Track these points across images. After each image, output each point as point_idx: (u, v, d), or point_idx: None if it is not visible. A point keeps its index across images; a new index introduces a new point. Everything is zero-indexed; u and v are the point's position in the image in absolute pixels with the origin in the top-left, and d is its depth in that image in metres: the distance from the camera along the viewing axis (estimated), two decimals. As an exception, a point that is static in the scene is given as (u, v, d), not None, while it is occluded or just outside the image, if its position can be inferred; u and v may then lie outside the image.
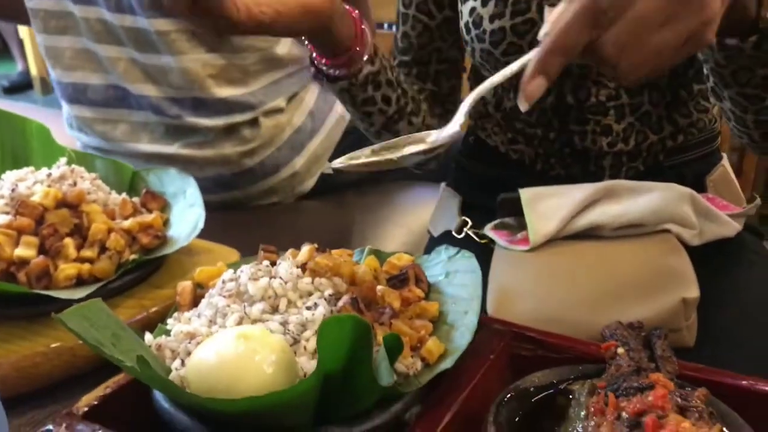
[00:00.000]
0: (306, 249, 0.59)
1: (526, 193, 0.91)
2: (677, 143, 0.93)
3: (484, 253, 0.93)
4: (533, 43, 0.78)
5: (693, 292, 0.81)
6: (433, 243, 1.09)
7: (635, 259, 0.86)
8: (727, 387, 0.53)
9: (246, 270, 0.57)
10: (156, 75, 1.25)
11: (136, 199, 0.80)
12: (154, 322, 0.62)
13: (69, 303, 0.52)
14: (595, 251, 0.88)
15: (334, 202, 1.48)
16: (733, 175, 1.03)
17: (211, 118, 1.30)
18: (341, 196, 1.49)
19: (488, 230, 0.96)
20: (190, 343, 0.53)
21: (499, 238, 0.94)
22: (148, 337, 0.55)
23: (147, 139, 1.32)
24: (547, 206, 0.91)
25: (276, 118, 1.36)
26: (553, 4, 0.75)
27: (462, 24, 0.91)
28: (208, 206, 1.40)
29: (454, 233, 1.02)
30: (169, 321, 0.57)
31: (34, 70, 4.23)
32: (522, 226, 0.91)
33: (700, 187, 0.96)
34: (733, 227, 0.92)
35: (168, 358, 0.53)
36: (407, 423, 0.51)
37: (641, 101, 0.89)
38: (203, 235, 1.13)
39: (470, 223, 1.01)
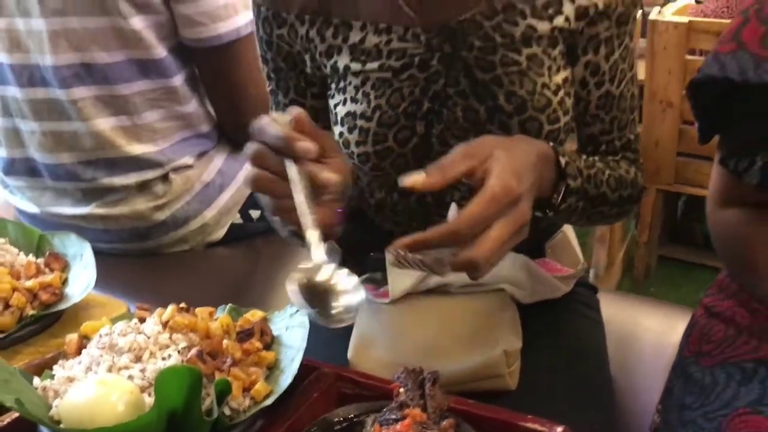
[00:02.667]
0: (170, 309, 0.75)
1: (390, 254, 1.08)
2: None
3: (357, 304, 1.09)
4: (394, 164, 0.96)
5: (515, 344, 0.97)
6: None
7: (472, 314, 1.02)
8: (487, 419, 0.70)
9: (118, 327, 0.72)
10: (68, 142, 1.38)
11: (41, 260, 0.94)
12: (50, 366, 0.77)
13: (-26, 352, 0.66)
14: (441, 306, 1.04)
15: (243, 249, 1.62)
16: (572, 238, 1.20)
17: (124, 176, 1.44)
18: (250, 244, 1.63)
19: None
20: (70, 385, 0.68)
21: (366, 291, 1.10)
22: (36, 380, 0.69)
23: (69, 203, 1.45)
24: None
25: (185, 174, 1.50)
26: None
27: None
28: (126, 254, 1.55)
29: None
30: (55, 367, 0.72)
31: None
32: (386, 281, 1.07)
33: (539, 252, 1.12)
34: (561, 290, 1.09)
35: (51, 398, 0.68)
36: (239, 447, 0.67)
37: None
38: (120, 279, 1.27)
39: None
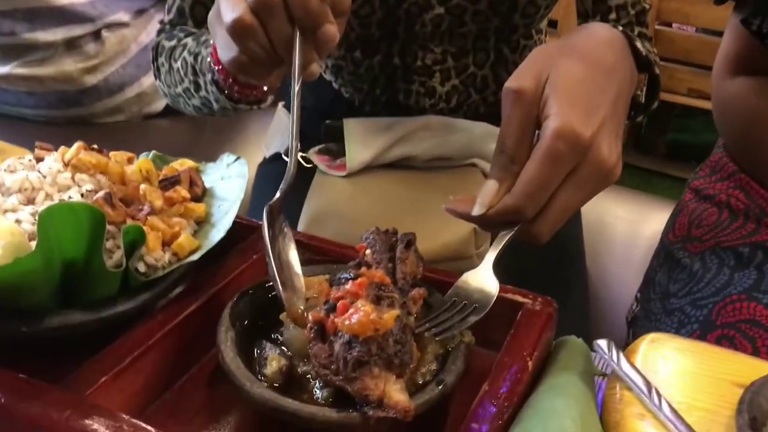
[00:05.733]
0: (75, 146, 0.60)
1: (349, 123, 0.94)
2: (498, 97, 0.96)
3: (310, 177, 0.96)
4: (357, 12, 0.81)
5: None
6: (264, 163, 1.11)
7: (440, 189, 0.91)
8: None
9: (6, 163, 0.58)
10: None
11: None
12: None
13: None
14: (406, 179, 0.92)
15: (184, 123, 1.47)
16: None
17: (49, 31, 1.27)
18: (193, 117, 1.49)
19: (311, 154, 0.99)
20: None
21: (319, 162, 0.96)
22: None
23: None
24: (367, 136, 0.94)
25: (120, 33, 1.35)
26: None
27: None
28: (53, 121, 1.39)
29: (283, 155, 1.04)
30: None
31: None
32: (343, 152, 0.94)
33: None
34: None
35: None
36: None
37: (466, 64, 0.91)
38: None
39: (299, 146, 1.03)
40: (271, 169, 1.08)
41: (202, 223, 0.61)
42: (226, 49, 0.60)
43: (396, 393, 0.43)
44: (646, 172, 3.01)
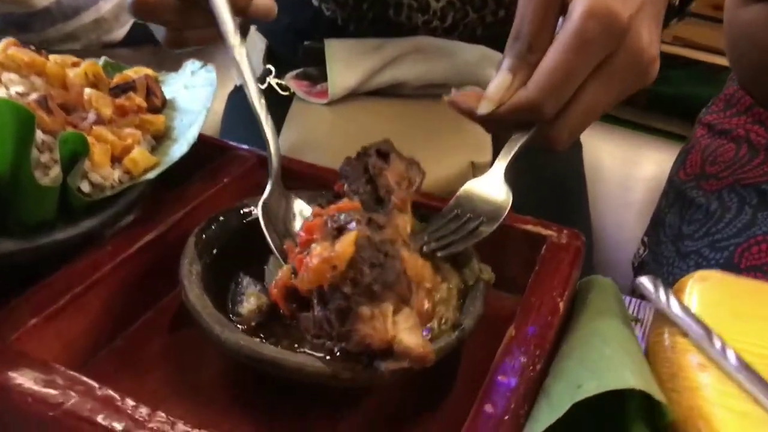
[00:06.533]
0: (4, 41, 0.50)
1: (331, 44, 0.84)
2: (497, 18, 0.87)
3: (286, 106, 0.86)
4: None
5: (483, 156, 0.79)
6: (235, 91, 1.01)
7: (433, 119, 0.82)
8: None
9: None
10: None
11: None
12: None
13: None
14: (395, 108, 0.84)
15: (147, 52, 1.35)
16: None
17: None
18: (157, 45, 1.38)
19: (288, 79, 0.89)
20: None
21: (297, 89, 0.87)
22: None
23: None
24: (351, 58, 0.84)
25: None
26: None
27: None
28: None
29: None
30: None
31: None
32: (324, 76, 0.85)
33: None
34: None
35: None
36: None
37: None
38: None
39: (274, 71, 0.93)
40: (243, 96, 0.98)
41: (161, 138, 0.51)
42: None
43: (406, 336, 0.34)
44: (627, 124, 2.96)
